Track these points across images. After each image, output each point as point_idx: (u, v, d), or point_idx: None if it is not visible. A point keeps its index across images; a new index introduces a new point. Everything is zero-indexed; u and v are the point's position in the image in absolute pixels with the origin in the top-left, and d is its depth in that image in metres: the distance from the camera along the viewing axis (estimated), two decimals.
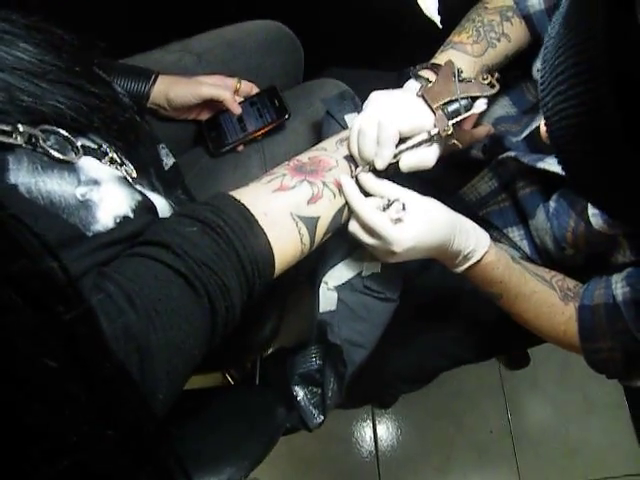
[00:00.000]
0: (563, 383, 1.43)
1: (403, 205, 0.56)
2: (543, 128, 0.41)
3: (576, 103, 0.33)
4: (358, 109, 0.74)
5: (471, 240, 0.61)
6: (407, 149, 0.60)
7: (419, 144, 0.61)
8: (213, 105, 0.81)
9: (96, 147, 0.48)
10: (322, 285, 0.67)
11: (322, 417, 0.66)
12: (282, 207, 0.53)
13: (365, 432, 1.33)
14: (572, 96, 0.33)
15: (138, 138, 0.56)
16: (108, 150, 0.49)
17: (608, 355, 0.62)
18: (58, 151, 0.42)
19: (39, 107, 0.42)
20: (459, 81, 0.62)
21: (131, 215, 0.46)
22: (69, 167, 0.43)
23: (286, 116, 0.79)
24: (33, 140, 0.41)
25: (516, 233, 0.82)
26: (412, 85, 0.67)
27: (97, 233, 0.42)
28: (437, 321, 0.81)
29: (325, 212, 0.57)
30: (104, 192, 0.44)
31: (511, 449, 1.36)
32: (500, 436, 1.37)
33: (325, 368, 0.65)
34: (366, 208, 0.57)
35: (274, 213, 0.52)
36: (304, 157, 0.61)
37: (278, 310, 0.81)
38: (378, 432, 1.33)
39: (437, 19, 0.55)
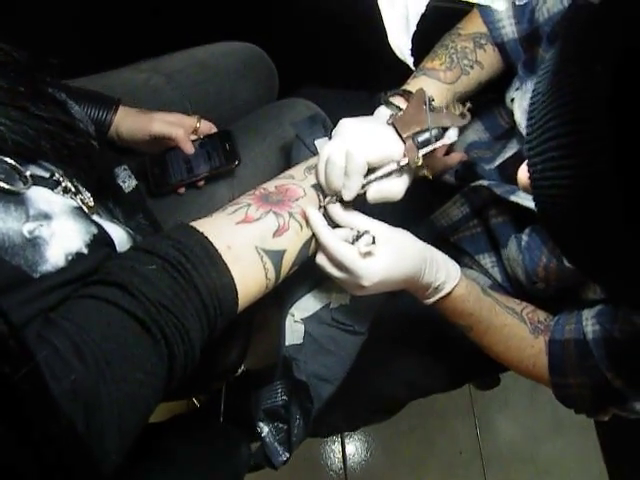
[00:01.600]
0: (533, 404, 1.43)
1: (373, 238, 0.55)
2: (523, 176, 0.40)
3: (571, 175, 0.31)
4: (329, 133, 0.73)
5: (441, 272, 0.60)
6: (375, 179, 0.59)
7: (388, 174, 0.59)
8: (164, 142, 0.75)
9: (48, 176, 0.45)
10: (289, 317, 0.65)
11: (287, 455, 0.64)
12: (246, 240, 0.52)
13: (334, 452, 1.32)
14: (566, 166, 0.31)
15: (92, 164, 0.53)
16: (61, 179, 0.47)
17: (577, 391, 0.62)
18: (3, 181, 0.40)
19: None
20: (430, 110, 0.61)
21: (85, 251, 0.43)
22: (16, 199, 0.40)
23: (236, 162, 0.75)
24: None
25: (487, 260, 0.81)
26: (383, 112, 0.65)
27: (45, 274, 0.39)
28: (405, 351, 0.80)
29: (291, 245, 0.55)
30: (56, 227, 0.42)
31: (481, 470, 1.36)
32: (470, 457, 1.37)
33: (291, 404, 0.63)
34: (333, 241, 0.55)
35: (238, 247, 0.50)
36: (270, 186, 0.60)
37: (245, 333, 0.78)
38: (347, 452, 1.32)
39: (410, 61, 0.54)
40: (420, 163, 0.59)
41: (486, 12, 0.70)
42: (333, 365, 0.65)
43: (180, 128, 0.73)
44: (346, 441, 1.33)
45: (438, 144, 0.61)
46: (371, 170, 0.58)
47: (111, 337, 0.39)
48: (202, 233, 0.49)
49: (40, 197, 0.42)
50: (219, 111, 0.84)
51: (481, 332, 0.65)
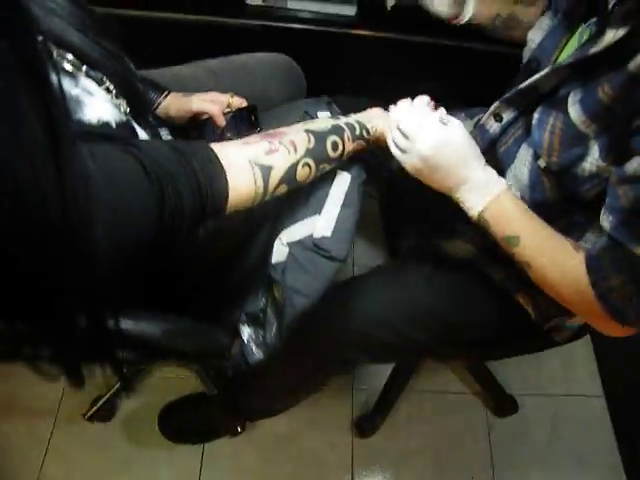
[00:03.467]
0: (554, 439, 1.41)
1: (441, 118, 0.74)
2: None
3: None
4: (332, 111, 0.90)
5: (489, 171, 0.73)
6: None
7: None
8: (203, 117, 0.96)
9: (99, 77, 0.65)
10: (277, 241, 0.80)
11: (261, 355, 0.75)
12: (242, 155, 0.68)
13: (343, 465, 1.35)
14: None
15: (137, 93, 0.73)
16: (107, 83, 0.66)
17: (621, 293, 0.63)
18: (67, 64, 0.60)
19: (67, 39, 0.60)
20: None
21: (113, 125, 0.61)
22: (72, 77, 0.60)
23: (257, 129, 0.94)
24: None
25: None
26: None
27: (79, 120, 0.57)
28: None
29: (279, 164, 0.70)
30: (95, 101, 0.61)
31: None
32: None
33: (267, 310, 0.76)
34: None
35: (234, 158, 0.66)
36: (271, 130, 0.77)
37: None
38: (355, 466, 1.35)
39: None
40: None
41: None
42: (310, 282, 0.78)
43: (215, 105, 0.94)
44: (355, 452, 1.36)
45: None
46: None
47: (124, 171, 0.55)
48: (210, 146, 0.66)
49: (89, 84, 0.62)
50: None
51: (527, 243, 0.70)
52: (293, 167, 0.71)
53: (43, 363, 0.59)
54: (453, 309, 0.88)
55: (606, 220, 0.65)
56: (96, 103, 0.61)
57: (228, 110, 0.96)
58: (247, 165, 0.67)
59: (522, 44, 0.89)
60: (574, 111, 0.67)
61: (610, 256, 0.64)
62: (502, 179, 0.75)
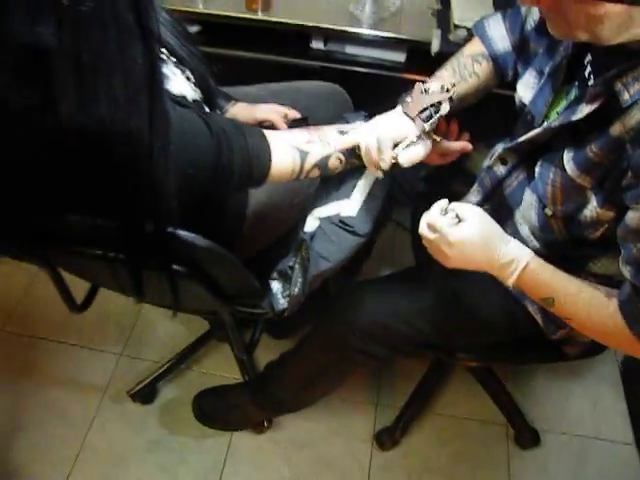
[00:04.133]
0: (577, 478, 1.42)
1: (457, 214, 0.78)
2: None
3: None
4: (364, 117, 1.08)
5: (515, 246, 0.78)
6: (402, 149, 0.87)
7: (409, 144, 0.87)
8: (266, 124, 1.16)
9: (183, 69, 0.85)
10: (310, 215, 0.96)
11: (286, 304, 0.89)
12: (287, 139, 0.86)
13: (360, 473, 1.41)
14: None
15: (210, 87, 0.93)
16: (189, 74, 0.86)
17: None
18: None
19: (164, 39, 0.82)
20: (425, 94, 0.93)
21: (189, 99, 0.81)
22: (164, 62, 0.80)
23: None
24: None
25: None
26: (399, 108, 0.97)
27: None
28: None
29: (314, 152, 0.87)
30: (177, 79, 0.81)
31: None
32: None
33: (295, 267, 0.90)
34: (433, 214, 0.80)
35: (280, 141, 0.84)
36: (311, 127, 0.95)
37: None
38: (371, 476, 1.40)
39: None
40: (427, 130, 0.86)
41: (483, 34, 1.02)
42: (333, 250, 0.93)
43: (275, 114, 1.14)
44: (371, 473, 1.42)
45: (437, 115, 0.91)
46: (396, 145, 0.87)
47: (193, 122, 0.74)
48: (261, 129, 0.84)
49: (174, 69, 0.82)
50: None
51: (561, 301, 0.77)
52: (326, 157, 0.88)
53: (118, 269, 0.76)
54: (463, 310, 0.99)
55: (625, 270, 0.72)
56: (178, 80, 0.81)
57: (285, 120, 1.16)
58: (289, 147, 0.84)
59: None
60: (569, 168, 0.76)
61: (638, 299, 0.70)
62: (527, 249, 0.79)
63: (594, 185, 0.74)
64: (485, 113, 1.44)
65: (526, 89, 0.92)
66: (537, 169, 0.84)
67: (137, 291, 0.78)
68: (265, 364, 1.35)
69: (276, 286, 0.91)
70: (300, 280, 0.90)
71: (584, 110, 0.72)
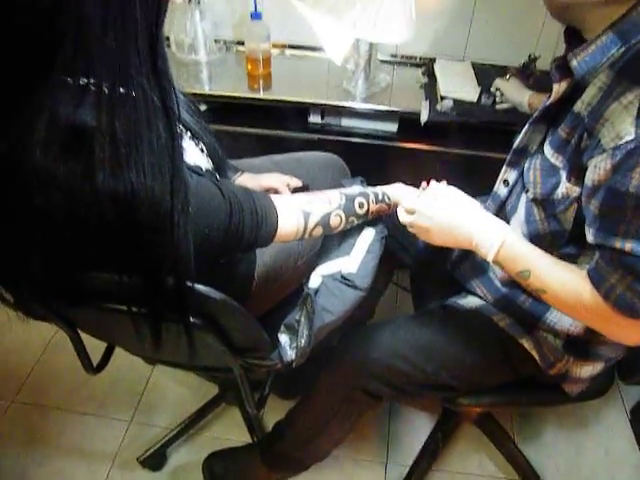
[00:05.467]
0: None
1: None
2: None
3: None
4: (363, 185, 1.19)
5: (492, 221, 0.89)
6: None
7: None
8: (271, 191, 1.28)
9: (196, 142, 0.97)
10: (314, 273, 1.04)
11: (294, 355, 0.96)
12: (291, 202, 0.96)
13: None
14: None
15: (220, 158, 1.05)
16: (202, 146, 0.98)
17: (622, 288, 0.74)
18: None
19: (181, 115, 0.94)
20: None
21: (203, 169, 0.92)
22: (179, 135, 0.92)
23: None
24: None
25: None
26: None
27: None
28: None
29: (316, 211, 0.97)
30: (192, 150, 0.92)
31: None
32: None
33: (301, 320, 0.98)
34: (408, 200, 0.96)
35: (285, 203, 0.94)
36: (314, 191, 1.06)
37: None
38: None
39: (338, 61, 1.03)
40: None
41: None
42: (336, 304, 1.01)
43: (279, 182, 1.26)
44: None
45: None
46: None
47: (207, 188, 0.84)
48: (267, 194, 0.95)
49: (189, 142, 0.94)
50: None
51: (537, 273, 0.83)
52: (327, 215, 0.98)
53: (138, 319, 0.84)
54: (461, 347, 1.06)
55: (589, 234, 0.79)
56: (193, 152, 0.93)
57: (288, 188, 1.28)
58: (293, 208, 0.94)
59: None
60: (547, 148, 0.88)
61: (603, 261, 0.76)
62: (504, 223, 0.89)
63: (564, 164, 0.83)
64: (481, 174, 1.57)
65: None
66: (525, 165, 0.95)
67: (156, 344, 0.86)
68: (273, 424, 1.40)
69: (284, 339, 0.98)
70: (306, 332, 0.97)
71: (554, 92, 0.85)
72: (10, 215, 0.70)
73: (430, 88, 1.65)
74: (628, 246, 0.72)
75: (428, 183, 1.05)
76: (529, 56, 1.66)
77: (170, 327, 0.84)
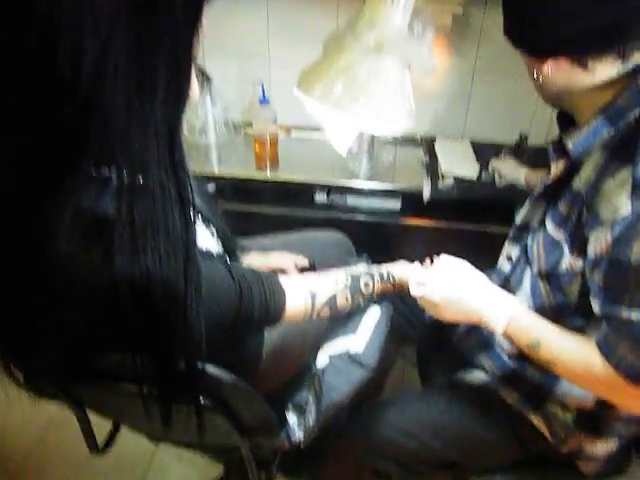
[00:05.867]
0: None
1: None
2: None
3: None
4: (368, 263, 1.23)
5: (501, 295, 0.91)
6: None
7: None
8: (279, 270, 1.32)
9: (207, 226, 1.02)
10: (321, 351, 1.06)
11: (302, 435, 0.96)
12: (299, 283, 0.99)
13: None
14: None
15: (230, 241, 1.09)
16: (213, 230, 1.03)
17: (633, 357, 0.76)
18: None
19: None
20: None
21: (214, 253, 0.96)
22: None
23: None
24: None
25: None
26: None
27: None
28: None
29: (324, 292, 1.00)
30: (203, 236, 0.96)
31: None
32: None
33: (309, 400, 0.99)
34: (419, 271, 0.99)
35: (293, 284, 0.98)
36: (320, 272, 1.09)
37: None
38: None
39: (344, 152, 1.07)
40: None
41: None
42: (343, 383, 1.02)
43: (287, 261, 1.29)
44: None
45: None
46: None
47: (218, 272, 0.88)
48: (276, 275, 0.98)
49: (201, 226, 0.98)
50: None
51: (547, 344, 0.85)
52: (334, 296, 1.01)
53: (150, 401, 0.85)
54: (469, 424, 1.06)
55: (596, 305, 0.81)
56: (204, 237, 0.97)
57: (296, 267, 1.32)
58: (301, 289, 0.97)
59: None
60: (548, 224, 0.92)
61: (611, 332, 0.78)
62: (512, 296, 0.92)
63: (566, 238, 0.86)
64: (484, 249, 1.61)
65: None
66: (529, 242, 0.98)
67: (166, 425, 0.87)
68: None
69: (292, 418, 0.99)
70: (314, 412, 0.98)
71: (553, 172, 0.90)
72: (29, 296, 0.72)
73: (431, 166, 1.72)
74: (634, 315, 0.74)
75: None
76: (520, 136, 1.75)
77: (180, 408, 0.85)
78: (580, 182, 0.85)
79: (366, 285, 1.05)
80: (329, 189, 1.69)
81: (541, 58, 0.83)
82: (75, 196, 0.66)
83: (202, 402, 0.84)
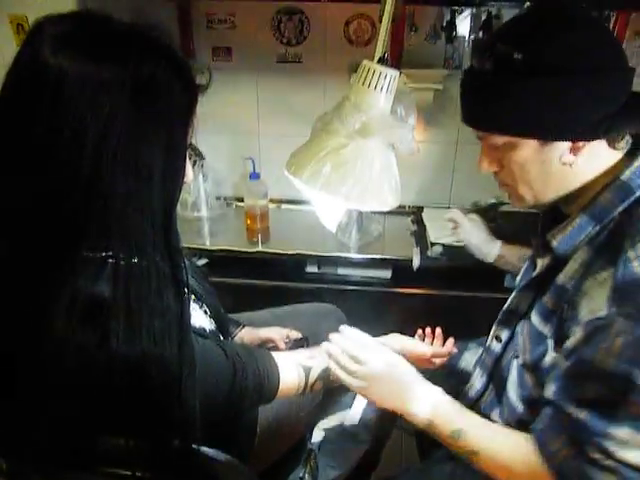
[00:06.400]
0: None
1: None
2: None
3: None
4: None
5: (427, 385, 0.90)
6: None
7: None
8: (269, 342, 1.32)
9: (200, 304, 1.03)
10: (316, 427, 1.06)
11: None
12: (291, 358, 1.00)
13: None
14: None
15: (223, 318, 1.11)
16: (206, 308, 1.04)
17: (566, 453, 0.74)
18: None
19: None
20: None
21: (207, 331, 0.97)
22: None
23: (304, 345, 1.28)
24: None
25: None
26: None
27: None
28: None
29: (317, 366, 1.01)
30: (196, 314, 0.98)
31: None
32: None
33: (304, 476, 0.98)
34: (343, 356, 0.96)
35: (286, 360, 0.99)
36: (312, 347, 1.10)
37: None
38: None
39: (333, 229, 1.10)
40: None
41: None
42: (339, 459, 1.01)
43: (277, 335, 1.30)
44: None
45: None
46: None
47: (212, 351, 0.89)
48: (269, 351, 1.00)
49: (194, 305, 1.00)
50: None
51: (470, 433, 0.83)
52: (327, 370, 1.01)
53: None
54: None
55: (549, 389, 0.80)
56: (197, 315, 0.98)
57: (287, 340, 1.32)
58: (294, 365, 0.98)
59: None
60: (534, 316, 0.89)
61: (554, 421, 0.77)
62: (435, 387, 0.89)
63: (551, 332, 0.84)
64: (474, 314, 1.63)
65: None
66: (518, 327, 0.97)
67: None
68: None
69: None
70: None
71: (539, 265, 0.90)
72: (18, 379, 0.72)
73: (420, 235, 1.77)
74: (582, 414, 0.73)
75: (424, 331, 1.10)
76: (496, 199, 1.75)
77: None
78: (565, 277, 0.84)
79: None
80: (320, 260, 1.73)
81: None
82: (72, 277, 0.67)
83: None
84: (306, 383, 0.98)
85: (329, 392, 1.16)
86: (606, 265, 0.75)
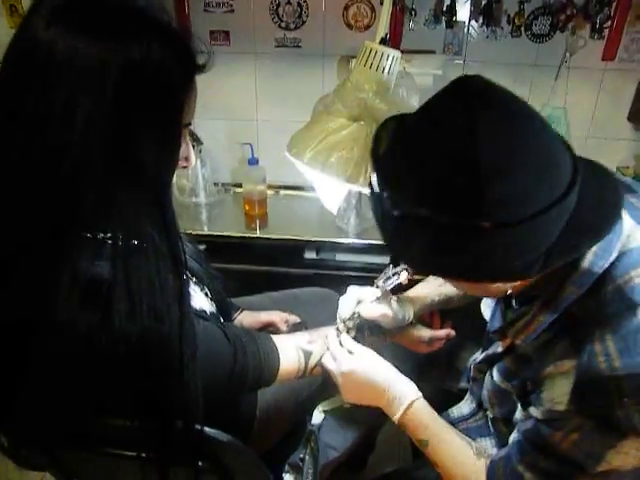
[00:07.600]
0: None
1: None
2: None
3: None
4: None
5: (405, 386, 0.89)
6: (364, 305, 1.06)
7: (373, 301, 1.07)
8: (270, 326, 1.34)
9: (201, 286, 1.05)
10: (316, 408, 1.08)
11: None
12: (292, 342, 1.02)
13: None
14: None
15: (224, 300, 1.12)
16: (207, 291, 1.05)
17: None
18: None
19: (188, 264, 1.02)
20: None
21: (207, 313, 0.98)
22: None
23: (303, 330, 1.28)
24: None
25: (488, 442, 1.04)
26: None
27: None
28: None
29: (317, 350, 1.02)
30: (197, 296, 0.99)
31: None
32: None
33: (305, 458, 0.99)
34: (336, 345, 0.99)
35: (286, 343, 1.00)
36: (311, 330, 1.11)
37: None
38: None
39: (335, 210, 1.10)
40: (387, 289, 1.06)
41: None
42: (339, 439, 1.03)
43: (278, 318, 1.32)
44: None
45: (395, 279, 1.07)
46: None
47: (213, 333, 0.90)
48: (269, 335, 1.01)
49: (195, 287, 1.01)
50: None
51: (435, 445, 0.85)
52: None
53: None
54: None
55: (517, 431, 0.81)
56: (198, 297, 0.99)
57: (286, 324, 1.34)
58: (294, 349, 0.99)
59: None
60: (495, 375, 0.90)
61: (504, 466, 0.80)
62: (414, 387, 0.89)
63: (516, 392, 0.84)
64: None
65: (485, 306, 1.03)
66: (486, 379, 0.96)
67: None
68: None
69: (289, 479, 0.99)
70: (311, 471, 0.98)
71: (500, 347, 0.89)
72: (24, 361, 0.73)
73: None
74: (527, 475, 0.76)
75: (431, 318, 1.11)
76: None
77: (178, 472, 0.85)
78: (528, 347, 0.80)
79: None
80: (318, 246, 1.74)
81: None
82: (72, 258, 0.68)
83: (200, 464, 0.85)
84: (306, 367, 1.00)
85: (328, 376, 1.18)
86: (570, 351, 0.71)
